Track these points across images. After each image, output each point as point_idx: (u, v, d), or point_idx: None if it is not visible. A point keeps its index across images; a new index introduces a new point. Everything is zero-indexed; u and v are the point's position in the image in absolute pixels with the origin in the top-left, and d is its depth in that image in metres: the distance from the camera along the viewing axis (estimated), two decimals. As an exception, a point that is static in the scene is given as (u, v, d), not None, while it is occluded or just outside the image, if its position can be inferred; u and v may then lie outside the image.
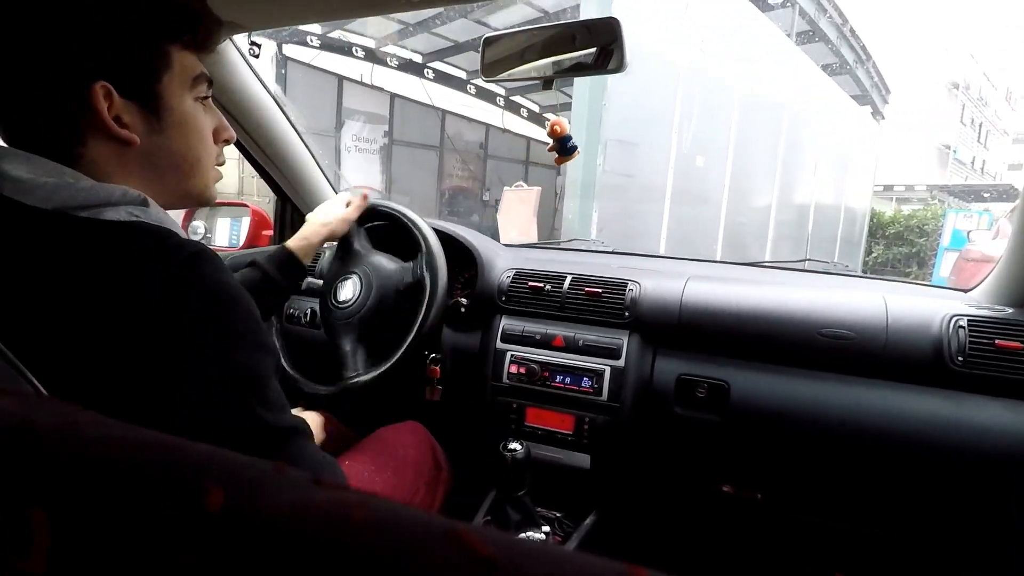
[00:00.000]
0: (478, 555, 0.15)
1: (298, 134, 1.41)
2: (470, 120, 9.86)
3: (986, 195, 15.81)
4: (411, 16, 7.04)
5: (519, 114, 10.37)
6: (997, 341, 0.95)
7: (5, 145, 0.55)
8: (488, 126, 10.25)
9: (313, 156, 1.48)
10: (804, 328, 1.07)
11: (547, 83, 1.05)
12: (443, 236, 1.22)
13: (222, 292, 0.53)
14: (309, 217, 1.14)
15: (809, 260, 1.61)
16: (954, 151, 22.61)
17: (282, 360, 1.18)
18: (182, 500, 0.16)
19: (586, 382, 1.17)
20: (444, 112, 9.31)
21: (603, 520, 1.21)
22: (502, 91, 9.46)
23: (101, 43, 0.53)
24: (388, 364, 1.10)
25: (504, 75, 1.11)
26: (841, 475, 1.06)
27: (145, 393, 0.48)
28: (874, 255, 12.40)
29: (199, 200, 0.67)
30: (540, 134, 9.68)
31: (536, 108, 10.47)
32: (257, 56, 1.25)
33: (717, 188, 6.08)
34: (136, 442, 0.19)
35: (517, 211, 6.93)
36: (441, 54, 8.23)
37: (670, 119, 5.01)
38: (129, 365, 0.48)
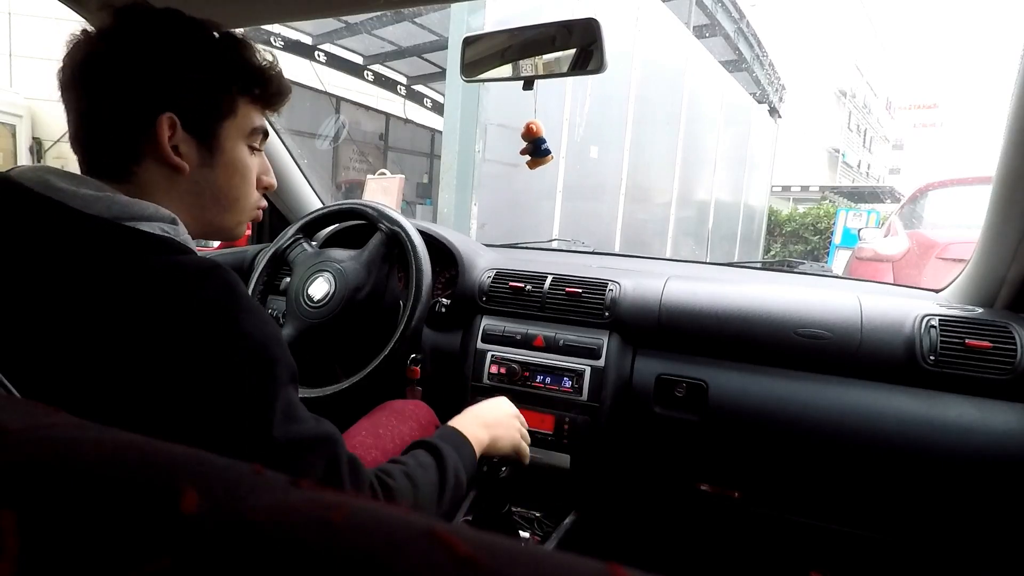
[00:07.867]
0: (458, 555, 0.15)
1: (277, 134, 1.40)
2: (368, 109, 9.22)
3: (883, 198, 16.33)
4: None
5: (423, 104, 9.16)
6: (967, 340, 0.97)
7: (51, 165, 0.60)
8: (389, 115, 9.54)
9: (293, 157, 1.46)
10: (781, 328, 1.08)
11: (527, 84, 1.05)
12: (424, 236, 1.21)
13: (238, 308, 0.55)
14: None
15: (787, 260, 1.63)
16: (843, 155, 23.71)
17: None
18: (156, 502, 0.16)
19: (566, 382, 1.17)
20: (338, 99, 8.69)
21: (582, 520, 1.21)
22: (403, 79, 8.50)
23: (181, 82, 0.60)
24: (372, 366, 1.08)
25: (484, 75, 1.11)
26: (817, 474, 1.07)
27: (141, 403, 0.49)
28: (772, 253, 12.50)
29: (228, 234, 0.73)
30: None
31: (440, 98, 9.01)
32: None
33: (614, 181, 5.56)
34: (110, 443, 0.18)
35: (380, 200, 6.61)
36: (333, 35, 7.26)
37: (560, 103, 4.45)
38: (132, 372, 0.49)
